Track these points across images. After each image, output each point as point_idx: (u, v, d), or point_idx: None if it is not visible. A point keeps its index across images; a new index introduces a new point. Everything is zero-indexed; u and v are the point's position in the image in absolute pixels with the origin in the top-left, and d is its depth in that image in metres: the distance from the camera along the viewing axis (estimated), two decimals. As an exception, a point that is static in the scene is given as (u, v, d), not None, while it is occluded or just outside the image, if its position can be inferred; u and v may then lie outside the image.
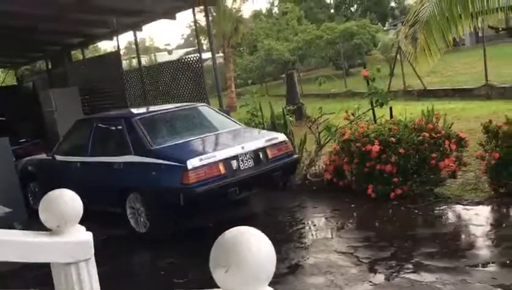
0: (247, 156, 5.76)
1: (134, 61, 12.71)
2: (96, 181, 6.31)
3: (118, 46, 12.29)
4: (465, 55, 20.14)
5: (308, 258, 4.72)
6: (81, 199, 7.13)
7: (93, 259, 2.19)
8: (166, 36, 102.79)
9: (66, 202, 2.00)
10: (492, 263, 4.06)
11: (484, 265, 4.01)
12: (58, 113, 11.74)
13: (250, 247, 1.25)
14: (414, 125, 6.21)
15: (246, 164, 5.72)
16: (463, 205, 5.46)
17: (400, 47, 13.66)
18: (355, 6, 40.37)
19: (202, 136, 6.28)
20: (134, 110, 7.33)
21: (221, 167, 5.46)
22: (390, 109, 7.46)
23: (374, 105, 7.43)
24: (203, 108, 7.31)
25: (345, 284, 3.99)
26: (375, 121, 7.35)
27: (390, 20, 36.91)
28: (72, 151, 7.05)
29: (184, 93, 10.09)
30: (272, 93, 24.31)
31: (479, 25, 9.89)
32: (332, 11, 39.69)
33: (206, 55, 17.83)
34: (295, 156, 6.51)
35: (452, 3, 6.60)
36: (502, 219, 5.24)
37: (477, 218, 5.08)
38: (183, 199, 5.27)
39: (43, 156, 7.54)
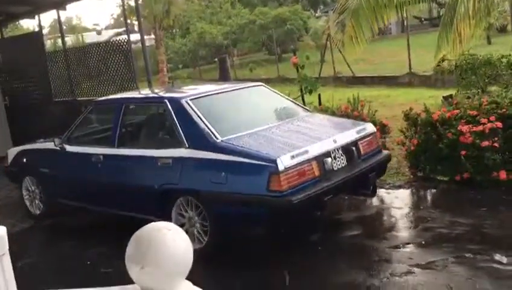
0: (340, 152, 4.46)
1: (60, 42, 12.04)
2: (128, 180, 5.00)
3: (40, 26, 11.61)
4: (392, 44, 20.95)
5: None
6: (104, 201, 5.70)
7: (7, 254, 2.10)
8: (96, 15, 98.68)
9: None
10: (410, 243, 4.31)
11: (403, 246, 4.26)
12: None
13: (166, 243, 1.24)
14: (341, 112, 6.41)
15: (339, 162, 4.43)
16: (385, 188, 5.73)
17: (330, 34, 14.01)
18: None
19: (276, 124, 4.84)
20: (179, 90, 5.80)
21: (315, 167, 4.18)
22: (319, 95, 7.67)
23: (304, 92, 7.59)
24: (260, 88, 5.69)
25: (245, 267, 4.14)
26: (304, 108, 7.51)
27: (322, 7, 37.57)
28: (91, 140, 5.72)
29: (113, 77, 9.74)
30: (205, 77, 24.17)
31: (404, 14, 10.35)
32: (265, -5, 39.75)
33: (137, 36, 17.30)
34: (386, 152, 5.17)
35: (378, -7, 6.85)
36: (419, 201, 5.57)
37: (397, 201, 5.37)
38: (272, 210, 4.02)
39: (45, 144, 6.02)
